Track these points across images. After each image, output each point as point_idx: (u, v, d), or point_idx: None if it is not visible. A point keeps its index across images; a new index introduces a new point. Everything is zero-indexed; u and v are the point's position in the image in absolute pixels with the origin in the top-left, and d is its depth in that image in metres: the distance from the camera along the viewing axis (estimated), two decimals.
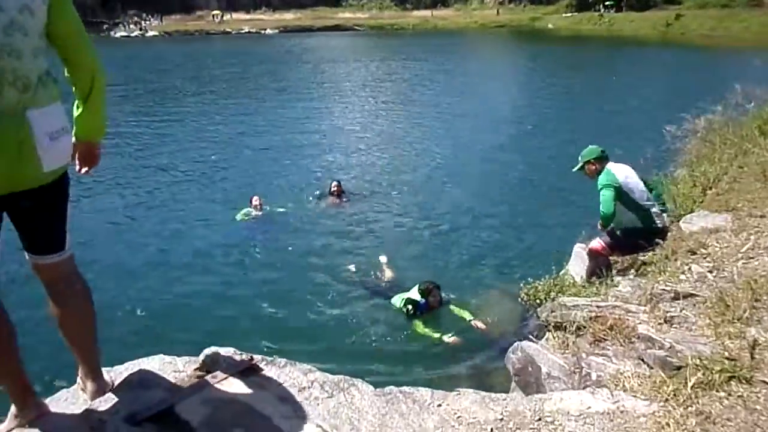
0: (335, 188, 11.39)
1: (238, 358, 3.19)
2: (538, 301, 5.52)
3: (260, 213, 10.68)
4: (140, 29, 70.94)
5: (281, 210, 11.02)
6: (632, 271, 5.56)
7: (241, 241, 9.84)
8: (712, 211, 5.43)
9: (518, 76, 32.83)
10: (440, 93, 25.49)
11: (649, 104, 20.91)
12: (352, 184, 12.42)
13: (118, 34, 68.31)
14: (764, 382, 2.88)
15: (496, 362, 5.65)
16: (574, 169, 6.02)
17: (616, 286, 5.04)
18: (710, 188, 6.19)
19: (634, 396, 2.97)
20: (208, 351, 3.27)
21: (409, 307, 7.08)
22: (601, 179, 5.63)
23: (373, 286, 8.15)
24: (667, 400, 2.84)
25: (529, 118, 19.77)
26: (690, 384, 2.87)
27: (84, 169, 2.60)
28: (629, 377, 3.21)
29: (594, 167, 5.78)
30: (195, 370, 3.17)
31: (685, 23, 55.63)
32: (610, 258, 5.80)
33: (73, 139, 2.44)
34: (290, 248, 9.52)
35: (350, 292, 8.01)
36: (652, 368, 3.35)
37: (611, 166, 5.73)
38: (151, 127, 19.02)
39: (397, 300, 7.37)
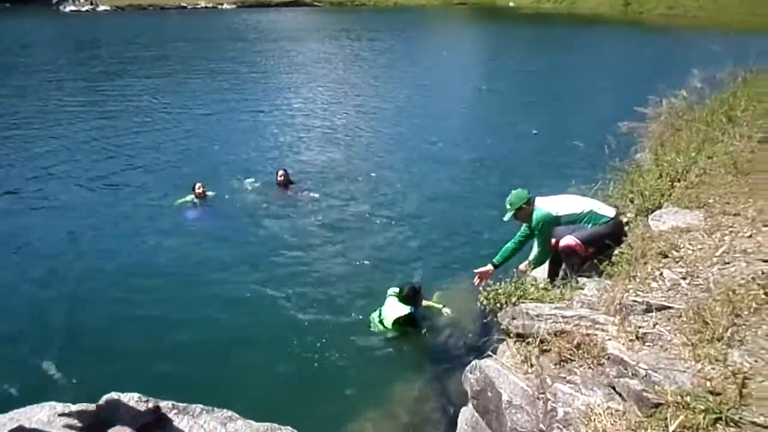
0: (281, 177, 10.71)
1: (142, 407, 2.67)
2: (498, 305, 5.09)
3: (203, 201, 10.07)
4: (91, 3, 67.81)
5: (225, 199, 10.40)
6: (598, 271, 5.17)
7: (174, 238, 9.01)
8: (683, 207, 5.09)
9: (478, 56, 32.41)
10: (397, 74, 24.86)
11: (610, 86, 20.81)
12: (300, 172, 11.70)
13: (67, 9, 65.16)
14: (754, 424, 2.50)
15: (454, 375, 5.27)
16: (506, 218, 5.61)
17: (581, 289, 4.66)
18: (678, 180, 5.86)
19: None
20: (107, 397, 2.74)
21: (402, 325, 6.28)
22: (535, 220, 5.35)
23: (321, 296, 7.27)
24: None
25: (489, 101, 19.42)
26: (671, 430, 2.47)
27: None
28: (601, 415, 2.81)
29: (525, 211, 5.48)
30: (89, 424, 2.64)
31: (643, 2, 55.90)
32: (586, 256, 5.36)
33: None
34: (228, 247, 8.68)
35: (292, 307, 7.07)
36: (625, 400, 2.96)
37: (540, 202, 5.45)
38: (91, 108, 17.88)
39: (375, 319, 6.52)
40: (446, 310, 6.59)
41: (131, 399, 2.70)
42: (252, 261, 8.24)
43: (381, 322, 6.41)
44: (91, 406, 2.75)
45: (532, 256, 6.03)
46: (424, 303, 6.56)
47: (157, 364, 5.92)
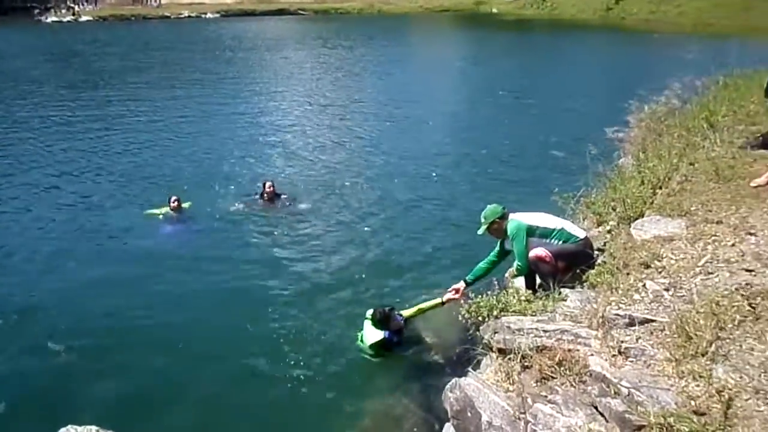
0: (268, 189, 10.25)
1: None
2: (480, 318, 4.98)
3: (178, 215, 9.74)
4: (73, 14, 67.32)
5: (205, 213, 10.01)
6: (581, 280, 5.08)
7: (144, 253, 8.64)
8: (665, 215, 5.01)
9: (461, 63, 32.34)
10: (383, 83, 24.65)
11: (592, 92, 20.82)
12: (287, 185, 11.30)
13: (49, 19, 64.55)
14: None
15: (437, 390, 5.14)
16: (480, 232, 5.66)
17: (564, 300, 4.56)
18: (660, 187, 5.80)
19: None
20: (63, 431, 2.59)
21: (379, 351, 6.09)
22: (510, 230, 5.39)
23: (299, 312, 6.98)
24: None
25: (472, 108, 19.34)
26: None
27: None
28: None
29: (498, 225, 5.54)
30: None
31: (625, 7, 56.38)
32: (556, 268, 5.30)
33: None
34: (207, 264, 8.28)
35: (267, 323, 6.76)
36: (608, 422, 2.85)
37: (514, 216, 5.50)
38: (72, 117, 17.47)
39: (359, 339, 6.31)
40: (431, 304, 6.36)
41: None
42: (224, 277, 7.94)
43: (361, 341, 6.28)
44: None
45: (514, 266, 5.98)
46: (405, 313, 6.39)
47: (119, 388, 5.58)
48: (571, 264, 5.10)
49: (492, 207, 5.57)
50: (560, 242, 5.23)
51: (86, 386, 5.61)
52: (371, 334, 6.11)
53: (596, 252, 5.32)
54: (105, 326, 6.72)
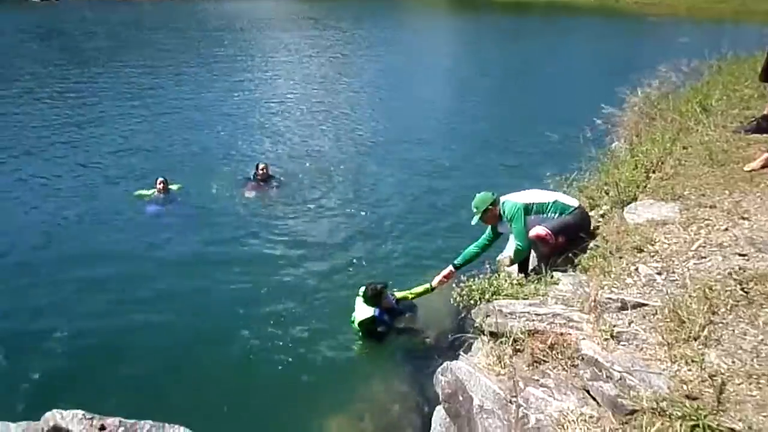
0: (261, 171, 10.17)
1: (86, 426, 2.47)
2: (472, 301, 4.96)
3: (166, 196, 9.62)
4: None
5: (195, 195, 9.89)
6: (573, 264, 5.05)
7: (129, 235, 8.50)
8: (658, 199, 4.99)
9: (453, 46, 32.21)
10: (373, 65, 24.49)
11: (586, 75, 20.79)
12: (279, 167, 11.26)
13: None
14: (732, 431, 2.40)
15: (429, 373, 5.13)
16: (474, 222, 5.59)
17: (556, 284, 4.54)
18: (654, 171, 5.76)
19: None
20: (49, 416, 2.54)
21: (369, 328, 6.04)
22: (508, 212, 5.33)
23: (288, 296, 6.93)
24: None
25: (466, 92, 19.28)
26: None
27: None
28: (574, 422, 2.69)
29: (491, 212, 5.49)
30: None
31: None
32: (556, 246, 5.27)
33: None
34: (197, 249, 8.16)
35: (254, 307, 6.70)
36: (600, 406, 2.84)
37: (506, 198, 5.47)
38: (58, 97, 17.21)
39: (351, 318, 6.29)
40: (421, 289, 6.31)
41: (75, 417, 2.50)
42: (213, 260, 7.88)
43: (353, 322, 6.25)
44: (34, 425, 2.55)
45: (510, 251, 5.95)
46: (398, 295, 6.36)
47: (103, 375, 5.55)
48: (571, 236, 5.10)
49: (481, 195, 5.52)
50: (557, 215, 5.21)
51: (71, 374, 5.56)
52: (361, 312, 6.08)
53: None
54: (87, 314, 6.61)
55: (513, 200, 5.35)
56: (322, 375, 5.70)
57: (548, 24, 41.58)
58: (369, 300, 6.09)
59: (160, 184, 9.62)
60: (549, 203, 5.27)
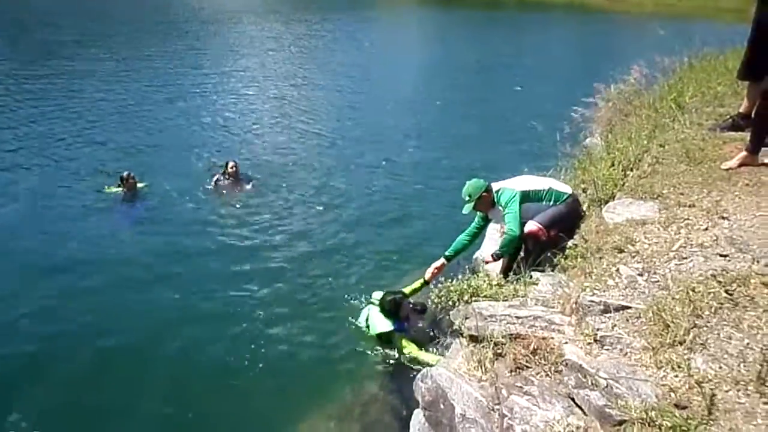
0: (231, 169, 9.83)
1: None
2: (451, 302, 4.86)
3: (132, 194, 9.28)
4: None
5: (162, 193, 9.55)
6: (552, 263, 4.98)
7: (93, 234, 8.15)
8: (636, 198, 4.94)
9: (425, 42, 32.10)
10: (341, 59, 24.13)
11: (558, 72, 20.88)
12: (250, 165, 10.96)
13: None
14: None
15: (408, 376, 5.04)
16: (466, 211, 5.40)
17: (535, 284, 4.47)
18: (631, 169, 5.73)
19: None
20: None
21: (387, 338, 5.77)
22: (505, 200, 5.21)
23: (270, 299, 6.70)
24: None
25: (437, 88, 19.16)
26: None
27: None
28: None
29: (485, 199, 5.35)
30: None
31: None
32: (548, 241, 5.18)
33: None
34: (164, 249, 7.82)
35: (238, 313, 6.45)
36: (586, 415, 2.75)
37: (501, 185, 5.39)
38: (17, 92, 16.43)
39: (363, 321, 6.08)
40: (418, 284, 6.10)
41: None
42: (182, 261, 7.60)
43: (368, 327, 6.02)
44: None
45: (488, 249, 5.87)
46: (407, 289, 6.08)
47: (68, 393, 5.23)
48: (564, 228, 5.06)
49: (474, 182, 5.36)
50: (551, 203, 5.18)
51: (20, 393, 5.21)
52: (379, 324, 5.83)
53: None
54: (46, 319, 6.27)
55: (510, 187, 5.26)
56: (295, 378, 5.58)
57: (518, 20, 41.78)
58: (388, 312, 5.84)
59: (127, 178, 9.29)
60: (544, 191, 5.24)
